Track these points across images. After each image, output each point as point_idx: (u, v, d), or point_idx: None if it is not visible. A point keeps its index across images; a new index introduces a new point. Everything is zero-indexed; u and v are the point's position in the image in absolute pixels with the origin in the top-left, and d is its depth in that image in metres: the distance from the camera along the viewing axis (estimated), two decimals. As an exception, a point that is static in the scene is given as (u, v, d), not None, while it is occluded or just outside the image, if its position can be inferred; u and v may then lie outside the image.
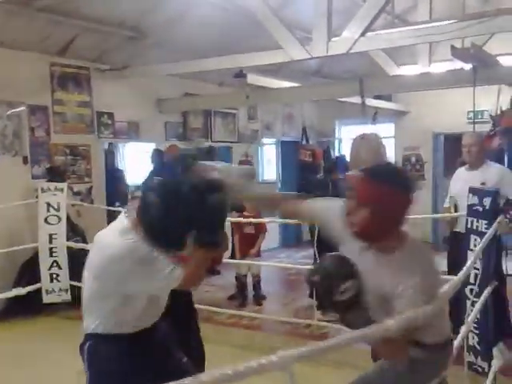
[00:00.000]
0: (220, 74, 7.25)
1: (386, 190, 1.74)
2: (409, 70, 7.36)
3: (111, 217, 6.78)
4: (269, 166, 10.01)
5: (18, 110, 5.86)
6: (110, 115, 6.84)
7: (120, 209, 5.30)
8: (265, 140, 9.75)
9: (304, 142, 9.58)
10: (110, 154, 7.42)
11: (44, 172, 5.99)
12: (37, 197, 5.49)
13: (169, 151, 7.09)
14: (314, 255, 5.69)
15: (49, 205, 5.46)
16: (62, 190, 5.52)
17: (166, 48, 6.49)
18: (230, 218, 6.10)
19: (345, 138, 10.28)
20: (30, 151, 5.98)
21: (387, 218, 1.78)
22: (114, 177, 7.08)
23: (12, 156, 5.82)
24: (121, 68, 6.61)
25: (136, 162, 8.05)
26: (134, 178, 7.50)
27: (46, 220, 5.44)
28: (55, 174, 5.84)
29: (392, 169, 1.89)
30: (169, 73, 6.55)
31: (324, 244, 5.60)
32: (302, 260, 8.12)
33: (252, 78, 6.97)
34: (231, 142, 8.76)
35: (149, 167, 6.94)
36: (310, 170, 8.84)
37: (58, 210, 5.47)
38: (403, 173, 1.93)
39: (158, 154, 7.17)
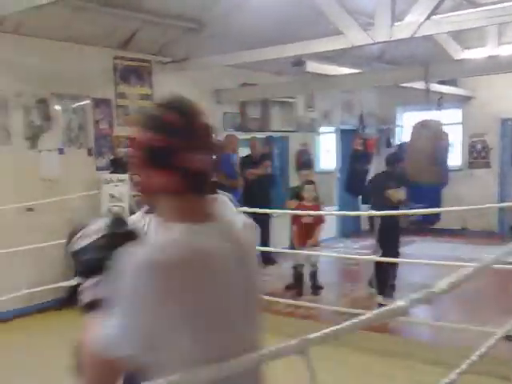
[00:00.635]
0: (278, 63, 7.20)
1: (138, 133, 1.25)
2: (475, 54, 7.07)
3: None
4: (328, 155, 9.92)
5: (82, 103, 6.07)
6: (171, 107, 6.94)
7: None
8: (323, 128, 9.65)
9: (361, 130, 9.43)
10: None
11: (107, 163, 6.18)
12: (100, 188, 5.67)
13: (226, 142, 7.15)
14: (376, 245, 5.60)
15: (112, 196, 5.63)
16: (124, 181, 5.67)
17: (226, 38, 6.50)
18: (288, 207, 6.13)
19: (407, 125, 10.02)
20: (95, 143, 6.20)
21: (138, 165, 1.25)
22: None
23: (77, 148, 6.04)
24: (181, 60, 6.69)
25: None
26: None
27: (109, 211, 5.61)
28: (118, 166, 6.02)
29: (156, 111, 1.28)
30: (228, 63, 6.56)
31: (386, 234, 5.53)
32: (361, 250, 8.02)
33: (311, 66, 6.90)
34: (289, 132, 8.72)
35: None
36: (361, 160, 8.69)
37: (120, 200, 5.63)
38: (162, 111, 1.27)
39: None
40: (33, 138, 5.66)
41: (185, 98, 1.31)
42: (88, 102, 6.11)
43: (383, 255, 5.26)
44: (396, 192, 5.49)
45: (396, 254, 5.55)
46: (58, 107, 5.84)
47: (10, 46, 5.39)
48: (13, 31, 5.39)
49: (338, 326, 1.36)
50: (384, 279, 5.47)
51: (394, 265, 5.62)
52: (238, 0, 6.19)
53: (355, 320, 1.39)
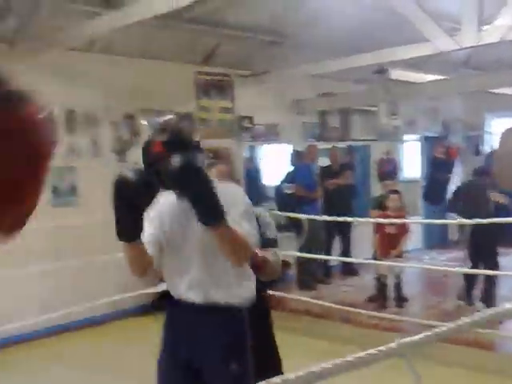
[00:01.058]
0: (359, 71, 7.12)
1: None
2: None
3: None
4: (412, 163, 9.64)
5: (166, 118, 6.28)
6: (250, 119, 7.07)
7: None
8: (407, 136, 9.39)
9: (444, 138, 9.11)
10: (249, 157, 7.67)
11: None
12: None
13: (307, 152, 7.14)
14: (468, 258, 5.37)
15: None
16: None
17: (306, 49, 6.50)
18: (371, 217, 6.01)
19: (497, 132, 9.54)
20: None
21: None
22: (252, 178, 7.29)
23: (161, 160, 6.24)
24: (261, 73, 6.77)
25: (275, 164, 8.20)
26: (273, 178, 7.68)
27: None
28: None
29: None
30: (309, 74, 6.56)
31: (480, 245, 5.28)
32: (448, 262, 7.68)
33: (394, 73, 6.77)
34: (371, 140, 8.57)
35: (287, 168, 7.06)
36: (442, 168, 8.36)
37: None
38: None
39: (296, 155, 7.25)
40: (121, 152, 5.94)
41: None
42: (171, 116, 6.31)
43: (478, 266, 5.05)
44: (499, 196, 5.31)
45: (493, 266, 5.28)
46: (144, 122, 6.09)
47: (100, 65, 5.71)
48: (102, 51, 5.70)
49: (441, 328, 1.27)
50: (489, 293, 5.26)
51: (490, 278, 5.36)
52: (318, 10, 6.18)
53: (464, 320, 1.30)
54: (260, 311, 2.52)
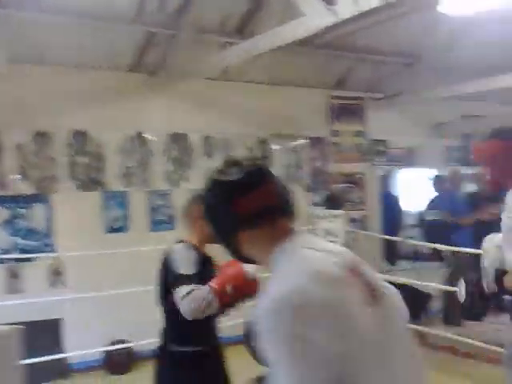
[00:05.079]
0: (507, 92, 6.56)
1: None
2: None
3: (389, 246, 6.63)
4: None
5: (299, 142, 6.30)
6: (385, 143, 6.82)
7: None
8: None
9: None
10: (384, 181, 7.36)
11: (323, 199, 6.24)
12: (315, 223, 5.72)
13: (451, 177, 6.66)
14: None
15: (327, 231, 5.62)
16: (338, 216, 5.63)
17: (443, 70, 6.19)
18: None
19: None
20: (311, 180, 6.37)
21: None
22: (388, 204, 6.97)
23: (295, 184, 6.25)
24: (395, 95, 6.56)
25: (412, 189, 7.77)
26: (411, 205, 7.28)
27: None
28: (333, 202, 6.02)
29: None
30: (447, 95, 6.22)
31: None
32: None
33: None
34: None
35: (429, 194, 6.64)
36: None
37: (335, 236, 5.59)
38: None
39: (439, 181, 6.80)
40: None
41: None
42: (304, 141, 6.32)
43: None
44: None
45: None
46: (276, 147, 6.15)
47: (233, 92, 5.89)
48: (235, 79, 5.89)
49: None
50: None
51: None
52: (455, 31, 5.85)
53: None
54: None
